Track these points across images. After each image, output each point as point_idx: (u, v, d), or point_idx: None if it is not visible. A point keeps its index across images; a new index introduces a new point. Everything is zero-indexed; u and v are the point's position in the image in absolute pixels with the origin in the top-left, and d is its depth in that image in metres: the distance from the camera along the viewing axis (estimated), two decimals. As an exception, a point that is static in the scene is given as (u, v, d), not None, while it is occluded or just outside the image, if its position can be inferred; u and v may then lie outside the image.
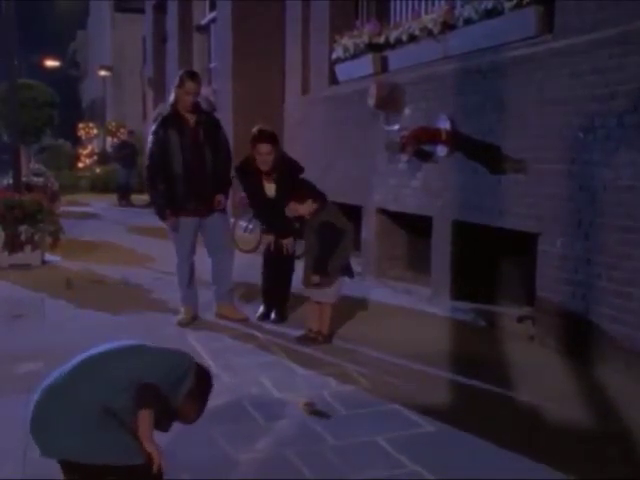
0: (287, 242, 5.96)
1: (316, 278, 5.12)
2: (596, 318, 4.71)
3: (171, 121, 5.71)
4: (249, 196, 6.19)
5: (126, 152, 17.83)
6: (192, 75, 5.77)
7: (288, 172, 5.86)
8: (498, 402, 4.11)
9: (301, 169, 5.98)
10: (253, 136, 5.83)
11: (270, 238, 6.01)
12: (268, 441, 3.57)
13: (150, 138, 5.77)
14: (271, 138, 5.84)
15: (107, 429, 2.37)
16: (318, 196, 5.33)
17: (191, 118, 5.73)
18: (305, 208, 5.26)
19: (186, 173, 5.67)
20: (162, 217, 5.76)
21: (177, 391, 2.51)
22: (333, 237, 5.15)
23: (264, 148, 5.77)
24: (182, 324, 5.79)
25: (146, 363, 2.50)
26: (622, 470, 3.27)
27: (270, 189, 5.94)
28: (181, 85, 5.65)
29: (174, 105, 5.73)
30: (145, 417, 2.42)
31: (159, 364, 2.52)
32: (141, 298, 6.90)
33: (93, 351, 2.55)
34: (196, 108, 5.78)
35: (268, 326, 5.79)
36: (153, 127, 5.78)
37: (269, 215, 6.01)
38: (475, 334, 5.68)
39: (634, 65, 4.38)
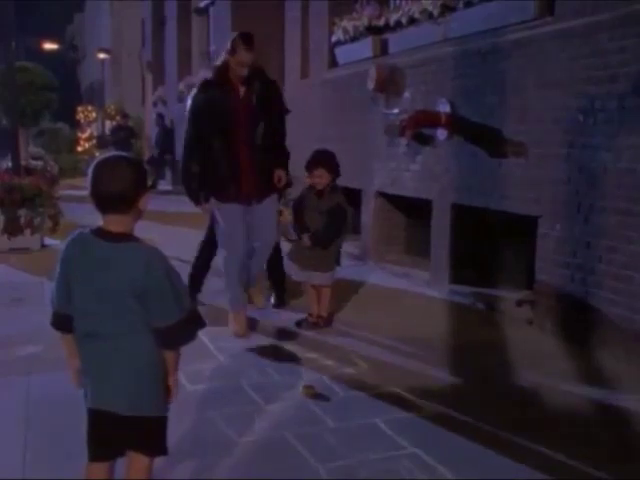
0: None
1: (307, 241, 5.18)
2: (595, 301, 4.71)
3: (215, 88, 4.94)
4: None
5: (121, 135, 17.75)
6: (248, 42, 4.86)
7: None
8: (497, 385, 4.13)
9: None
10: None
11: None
12: (268, 423, 3.58)
13: (188, 108, 5.04)
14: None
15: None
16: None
17: (242, 86, 4.95)
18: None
19: (231, 151, 4.92)
20: (196, 201, 5.07)
21: None
22: (343, 220, 5.18)
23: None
24: (239, 335, 5.06)
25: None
26: (615, 453, 3.29)
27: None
28: (234, 51, 4.86)
29: (222, 70, 4.95)
30: (177, 355, 2.39)
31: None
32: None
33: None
34: (250, 77, 4.94)
35: (269, 310, 5.79)
36: (192, 94, 5.06)
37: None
38: (474, 318, 5.69)
39: (634, 47, 4.37)
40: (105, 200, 2.27)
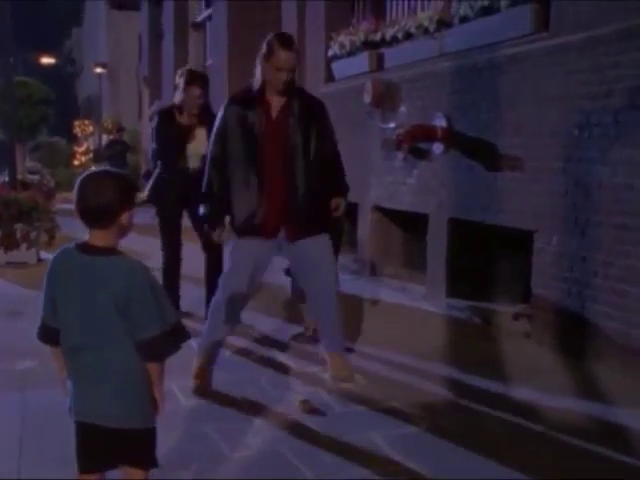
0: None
1: None
2: (592, 315, 4.71)
3: (244, 102, 4.23)
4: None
5: (117, 149, 17.68)
6: (286, 42, 4.14)
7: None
8: (495, 400, 4.12)
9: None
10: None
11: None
12: (263, 438, 3.56)
13: (216, 125, 4.33)
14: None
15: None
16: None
17: (279, 100, 4.20)
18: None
19: (258, 177, 4.14)
20: (210, 225, 4.33)
21: None
22: (338, 235, 5.19)
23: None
24: (198, 393, 4.17)
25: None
26: (609, 463, 3.28)
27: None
28: (270, 54, 4.09)
29: (257, 86, 4.19)
30: (161, 367, 2.38)
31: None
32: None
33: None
34: (289, 87, 4.17)
35: (265, 324, 5.78)
36: (220, 110, 4.35)
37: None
38: (471, 332, 5.68)
39: (630, 62, 4.39)
40: (86, 214, 2.28)
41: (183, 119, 5.72)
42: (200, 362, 4.27)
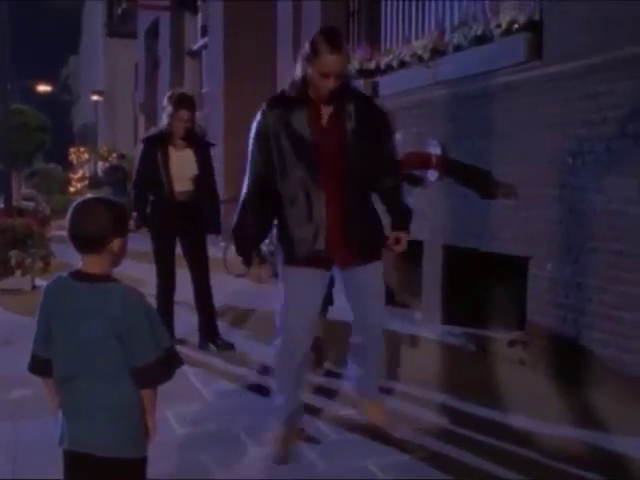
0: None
1: None
2: (587, 342, 4.71)
3: (287, 109, 3.55)
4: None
5: (116, 177, 17.71)
6: (334, 41, 3.43)
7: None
8: (490, 427, 4.10)
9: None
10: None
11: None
12: (259, 467, 3.54)
13: (253, 134, 3.63)
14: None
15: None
16: None
17: (326, 108, 3.56)
18: None
19: (309, 196, 3.53)
20: (246, 260, 3.71)
21: None
22: None
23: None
24: (277, 461, 3.60)
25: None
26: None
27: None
28: (314, 56, 3.43)
29: (297, 85, 3.56)
30: (154, 394, 2.37)
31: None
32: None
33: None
34: (338, 93, 3.52)
35: (259, 351, 5.75)
36: (254, 124, 3.64)
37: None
38: (466, 358, 5.67)
39: (623, 91, 4.43)
40: (77, 240, 2.30)
41: (171, 143, 5.70)
42: (283, 430, 3.74)
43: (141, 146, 5.92)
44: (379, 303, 3.87)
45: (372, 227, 3.75)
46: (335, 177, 3.53)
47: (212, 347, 5.77)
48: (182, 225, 5.68)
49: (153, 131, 5.96)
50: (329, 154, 3.53)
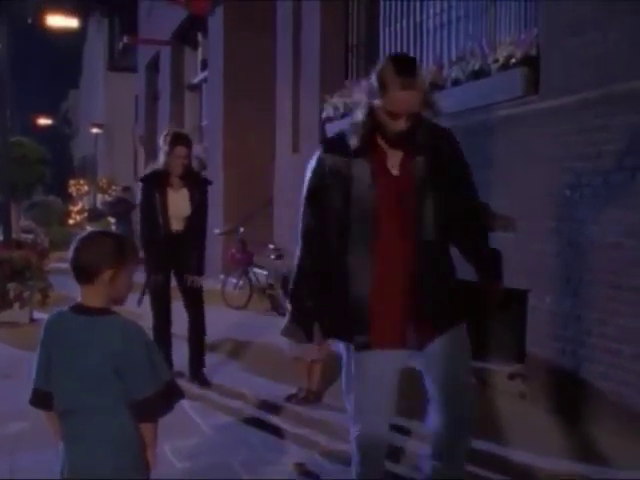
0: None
1: None
2: (587, 375, 4.69)
3: (348, 154, 2.92)
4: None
5: (122, 209, 17.61)
6: (407, 76, 2.81)
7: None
8: (490, 461, 4.07)
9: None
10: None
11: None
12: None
13: (307, 183, 3.05)
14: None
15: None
16: None
17: (395, 150, 2.94)
18: None
19: (375, 260, 2.91)
20: (307, 336, 3.05)
21: None
22: None
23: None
24: None
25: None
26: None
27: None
28: (383, 92, 2.82)
29: (365, 125, 2.90)
30: (154, 428, 2.37)
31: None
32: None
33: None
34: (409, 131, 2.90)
35: (257, 384, 5.73)
36: (307, 172, 3.07)
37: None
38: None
39: (619, 125, 4.46)
40: (73, 270, 2.33)
41: (168, 182, 5.73)
42: None
43: (140, 185, 5.95)
44: (464, 372, 3.22)
45: (453, 287, 3.22)
46: (407, 237, 2.90)
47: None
48: (177, 259, 5.71)
49: (150, 170, 5.98)
50: (399, 211, 2.89)
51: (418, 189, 2.90)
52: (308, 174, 3.04)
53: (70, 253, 2.34)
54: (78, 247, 2.33)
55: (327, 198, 2.93)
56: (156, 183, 5.74)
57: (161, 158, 5.76)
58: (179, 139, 5.72)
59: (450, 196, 2.98)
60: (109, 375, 2.25)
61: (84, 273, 2.31)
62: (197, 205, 5.78)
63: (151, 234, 5.77)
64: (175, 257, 5.70)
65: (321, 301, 2.99)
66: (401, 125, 2.85)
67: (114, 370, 2.25)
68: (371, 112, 2.87)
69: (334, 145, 3.03)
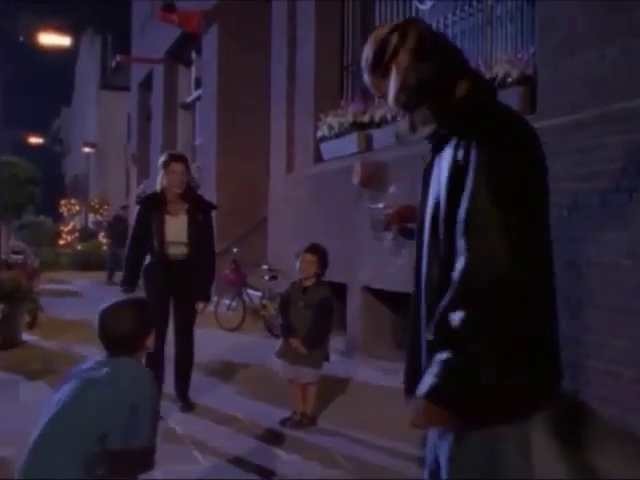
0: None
1: (303, 349, 4.99)
2: (587, 398, 4.62)
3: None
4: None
5: (120, 228, 17.34)
6: None
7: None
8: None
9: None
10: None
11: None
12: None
13: None
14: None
15: None
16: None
17: None
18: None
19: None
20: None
21: None
22: (331, 314, 5.15)
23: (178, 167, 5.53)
24: None
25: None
26: None
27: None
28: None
29: None
30: None
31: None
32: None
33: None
34: None
35: (250, 407, 5.64)
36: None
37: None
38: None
39: (615, 145, 4.43)
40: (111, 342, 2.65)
41: (165, 208, 5.57)
42: None
43: (138, 207, 5.82)
44: None
45: None
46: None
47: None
48: (174, 284, 5.55)
49: (148, 192, 5.86)
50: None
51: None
52: None
53: (101, 326, 2.60)
54: (114, 319, 2.62)
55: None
56: (153, 206, 5.58)
57: (158, 181, 5.62)
58: (173, 157, 5.63)
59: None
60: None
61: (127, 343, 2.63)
62: (201, 230, 5.62)
63: (138, 258, 5.64)
64: (174, 283, 5.56)
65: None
66: None
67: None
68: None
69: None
